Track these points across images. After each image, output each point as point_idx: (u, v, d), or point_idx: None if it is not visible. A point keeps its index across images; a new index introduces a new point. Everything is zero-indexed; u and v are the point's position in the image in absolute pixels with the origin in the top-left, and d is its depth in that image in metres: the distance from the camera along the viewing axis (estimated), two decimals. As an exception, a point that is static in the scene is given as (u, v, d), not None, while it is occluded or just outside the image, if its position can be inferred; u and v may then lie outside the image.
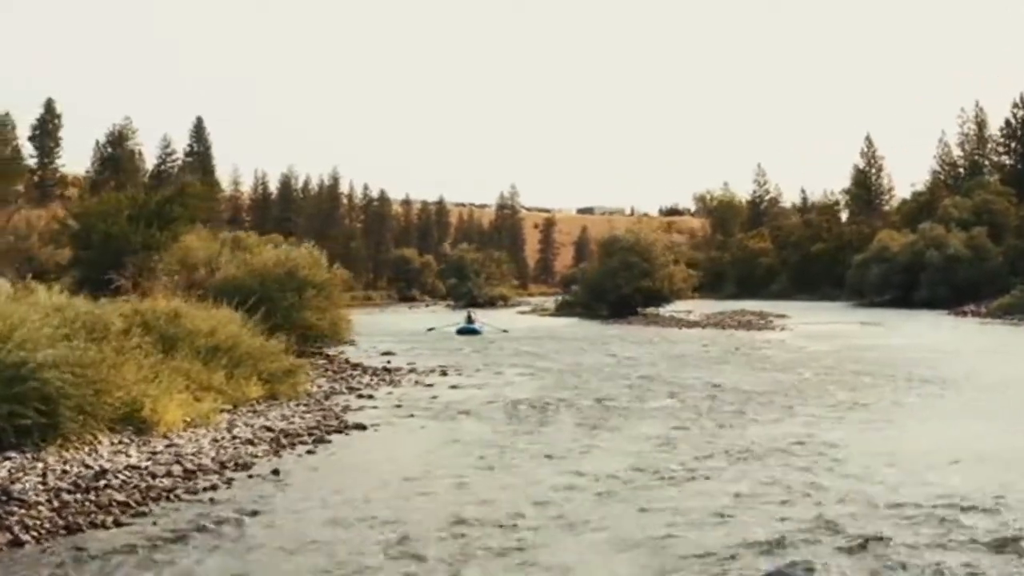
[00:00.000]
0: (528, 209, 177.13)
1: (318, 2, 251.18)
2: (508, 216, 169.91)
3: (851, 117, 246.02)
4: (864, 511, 10.26)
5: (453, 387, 23.16)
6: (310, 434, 16.30)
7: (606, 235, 71.42)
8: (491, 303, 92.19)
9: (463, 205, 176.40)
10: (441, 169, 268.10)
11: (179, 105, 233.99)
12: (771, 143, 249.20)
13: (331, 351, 33.86)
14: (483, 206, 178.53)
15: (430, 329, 46.49)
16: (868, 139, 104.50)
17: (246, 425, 16.85)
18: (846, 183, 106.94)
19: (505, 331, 45.98)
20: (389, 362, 29.93)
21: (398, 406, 19.86)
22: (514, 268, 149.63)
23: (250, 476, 13.00)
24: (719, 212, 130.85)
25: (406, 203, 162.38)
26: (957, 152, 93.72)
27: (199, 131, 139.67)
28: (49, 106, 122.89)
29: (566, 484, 11.93)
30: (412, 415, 18.64)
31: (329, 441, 15.70)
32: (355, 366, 28.43)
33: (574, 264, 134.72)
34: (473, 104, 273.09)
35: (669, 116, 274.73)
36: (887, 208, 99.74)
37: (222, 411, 17.97)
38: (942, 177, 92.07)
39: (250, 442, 15.35)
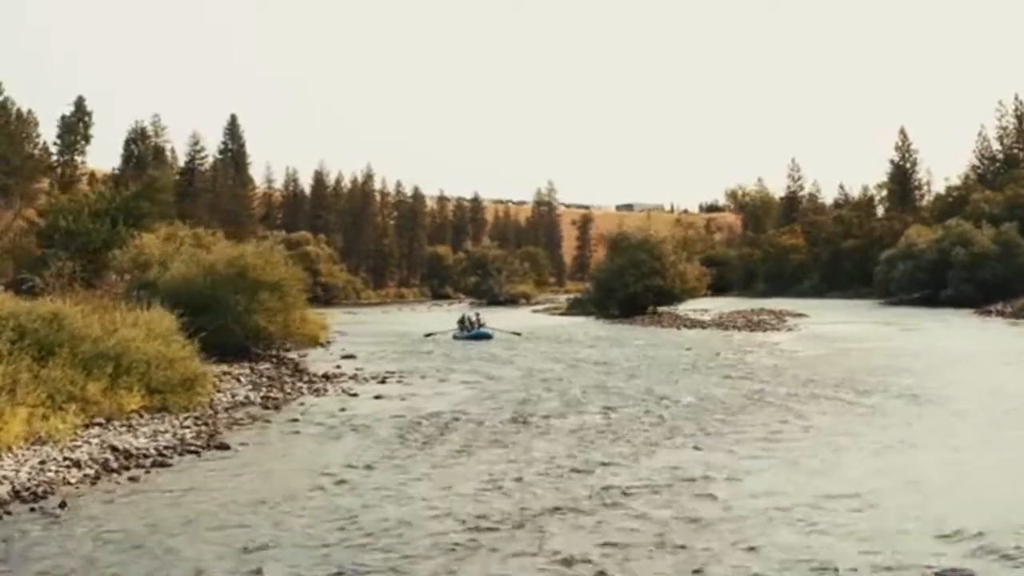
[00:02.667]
0: (567, 206, 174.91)
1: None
2: (545, 213, 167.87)
3: (897, 111, 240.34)
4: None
5: (377, 397, 21.35)
6: (161, 455, 14.58)
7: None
8: (513, 301, 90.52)
9: (501, 202, 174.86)
10: (480, 167, 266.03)
11: (215, 103, 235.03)
12: (815, 139, 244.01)
13: (294, 354, 32.34)
14: (521, 203, 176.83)
15: (428, 335, 41.56)
16: (902, 132, 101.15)
17: (100, 443, 15.14)
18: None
19: (518, 334, 41.19)
20: (339, 367, 28.15)
21: (294, 420, 18.10)
22: (550, 265, 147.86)
23: (32, 509, 11.34)
24: (751, 208, 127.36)
25: (442, 200, 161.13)
26: (996, 146, 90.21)
27: (233, 128, 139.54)
28: (80, 104, 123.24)
29: (363, 532, 10.02)
30: (297, 432, 16.87)
31: (170, 465, 13.93)
32: (299, 371, 26.76)
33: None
34: (513, 101, 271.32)
35: (711, 111, 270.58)
36: (924, 203, 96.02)
37: (93, 425, 16.42)
38: (980, 171, 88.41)
39: (77, 465, 13.63)
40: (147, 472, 13.46)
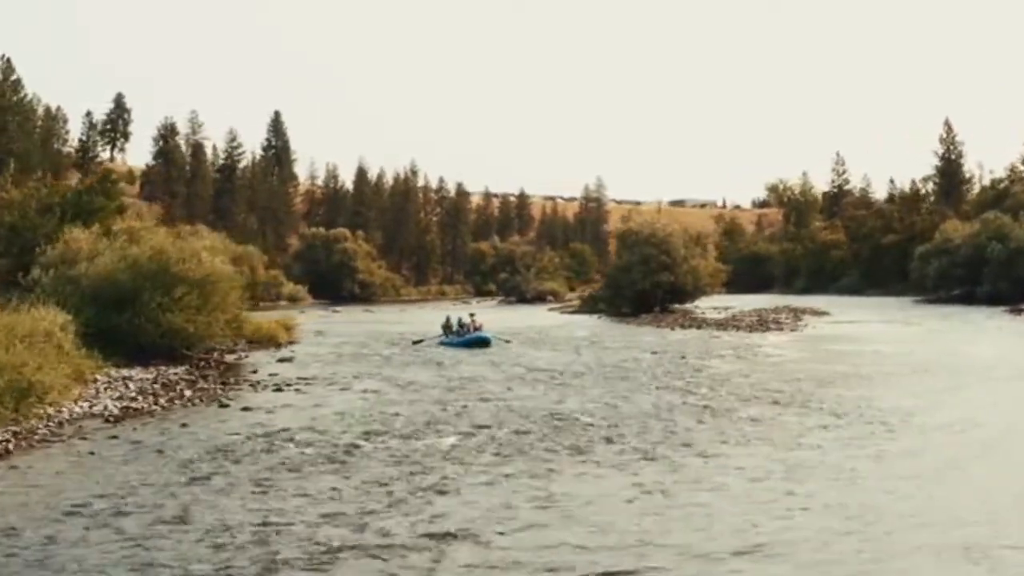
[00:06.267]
0: (617, 202, 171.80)
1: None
2: (593, 209, 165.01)
3: (956, 103, 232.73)
4: None
5: (245, 409, 19.16)
6: None
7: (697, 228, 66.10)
8: (541, 298, 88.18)
9: (551, 198, 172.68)
10: (530, 163, 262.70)
11: (258, 100, 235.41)
12: (872, 133, 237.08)
13: (237, 355, 30.51)
14: (571, 199, 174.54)
15: (416, 341, 35.95)
16: (947, 124, 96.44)
17: None
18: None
19: (508, 341, 35.42)
20: (256, 371, 26.20)
21: (114, 437, 16.01)
22: (597, 262, 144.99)
23: None
24: (792, 203, 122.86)
25: (487, 196, 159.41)
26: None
27: (276, 125, 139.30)
28: (119, 101, 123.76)
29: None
30: (93, 452, 14.73)
31: None
32: (204, 377, 24.63)
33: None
34: (564, 96, 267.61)
35: (765, 105, 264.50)
36: (972, 197, 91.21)
37: None
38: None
39: None
40: None
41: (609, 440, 15.01)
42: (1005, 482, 12.48)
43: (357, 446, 14.72)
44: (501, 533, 9.83)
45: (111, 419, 17.95)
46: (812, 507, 10.96)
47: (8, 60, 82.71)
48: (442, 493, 11.62)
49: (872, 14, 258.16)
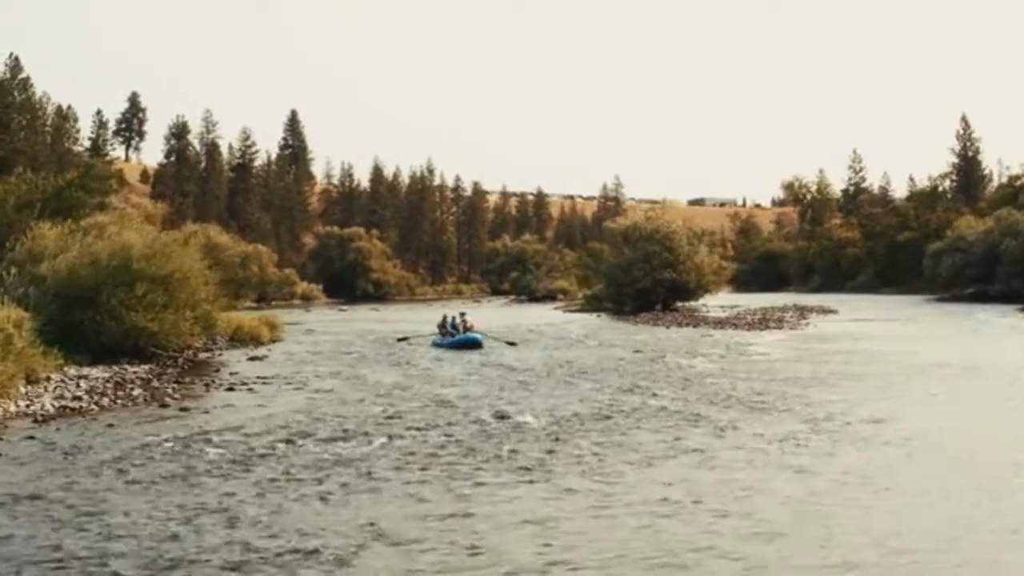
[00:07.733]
0: (636, 201, 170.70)
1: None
2: (612, 208, 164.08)
3: (980, 101, 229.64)
4: None
5: (183, 409, 18.33)
6: None
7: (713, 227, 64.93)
8: (551, 297, 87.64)
9: (570, 197, 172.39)
10: (549, 163, 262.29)
11: (276, 98, 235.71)
12: (896, 131, 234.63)
13: (211, 353, 29.88)
14: (590, 198, 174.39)
15: (401, 339, 35.34)
16: (964, 120, 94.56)
17: None
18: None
19: (512, 343, 33.63)
20: (218, 370, 25.51)
21: (30, 438, 15.23)
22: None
23: None
24: (809, 201, 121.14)
25: (505, 195, 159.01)
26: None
27: (293, 124, 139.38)
28: (134, 100, 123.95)
29: None
30: (0, 454, 14.00)
31: None
32: (160, 376, 23.88)
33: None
34: (584, 95, 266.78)
35: (784, 103, 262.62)
36: (990, 194, 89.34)
37: None
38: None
39: None
40: None
41: (517, 452, 13.73)
42: (931, 526, 9.89)
43: (270, 451, 13.83)
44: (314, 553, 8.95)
45: (40, 419, 17.22)
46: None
47: (16, 59, 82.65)
48: (315, 503, 10.77)
49: (892, 11, 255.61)
